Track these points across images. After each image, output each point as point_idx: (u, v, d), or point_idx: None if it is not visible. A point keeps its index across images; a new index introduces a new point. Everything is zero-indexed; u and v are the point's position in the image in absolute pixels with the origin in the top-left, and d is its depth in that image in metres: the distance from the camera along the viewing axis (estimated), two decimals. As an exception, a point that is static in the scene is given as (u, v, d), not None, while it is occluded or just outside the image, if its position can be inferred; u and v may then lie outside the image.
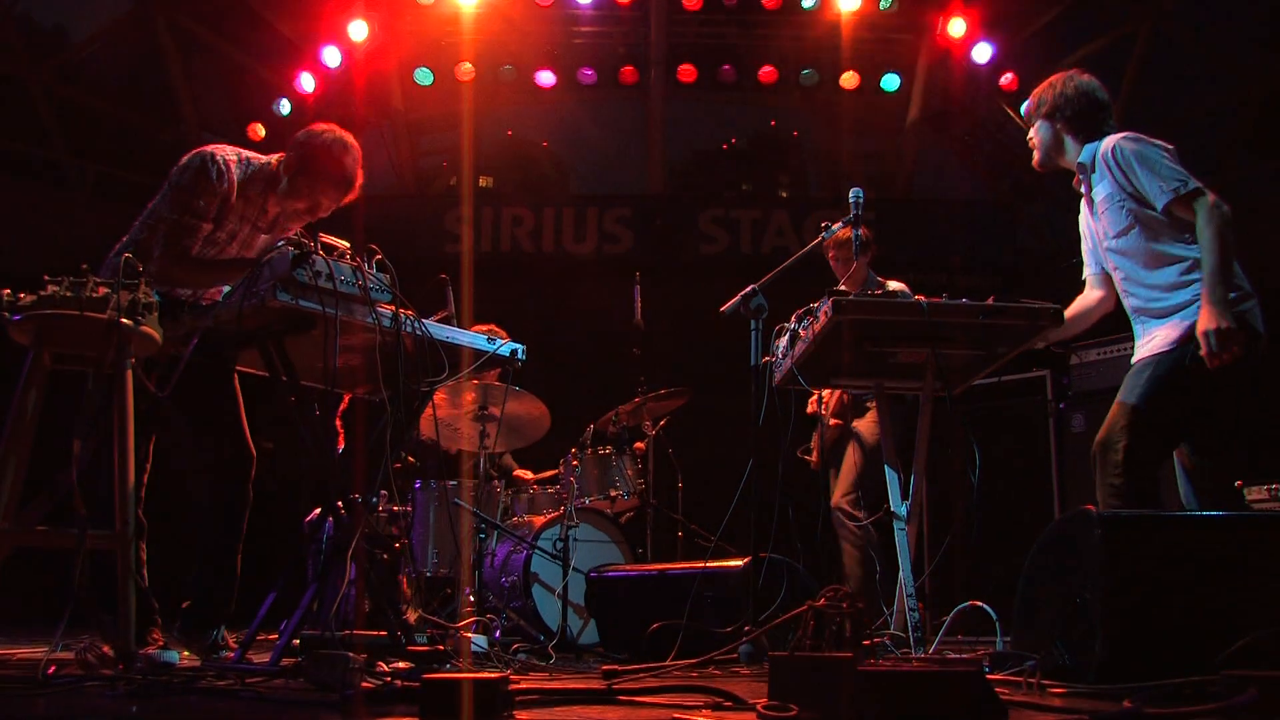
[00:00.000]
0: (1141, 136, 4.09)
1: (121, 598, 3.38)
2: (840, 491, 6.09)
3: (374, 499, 4.12)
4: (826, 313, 3.91)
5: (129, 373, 3.48)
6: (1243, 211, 3.96)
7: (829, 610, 2.77)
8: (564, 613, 5.49)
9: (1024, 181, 12.29)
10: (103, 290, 3.35)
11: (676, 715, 2.31)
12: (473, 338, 4.26)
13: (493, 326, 5.58)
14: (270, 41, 12.44)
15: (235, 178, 4.35)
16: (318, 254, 3.60)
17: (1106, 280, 4.38)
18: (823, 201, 12.56)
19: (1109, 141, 4.11)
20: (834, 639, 2.78)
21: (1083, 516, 3.23)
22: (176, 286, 4.38)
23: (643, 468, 6.68)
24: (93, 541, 3.35)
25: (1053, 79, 4.36)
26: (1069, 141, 4.30)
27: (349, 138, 4.51)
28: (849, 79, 12.06)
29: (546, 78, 12.25)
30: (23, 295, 3.33)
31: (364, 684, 2.90)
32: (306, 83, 11.63)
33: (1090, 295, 4.43)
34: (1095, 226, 4.29)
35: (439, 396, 5.88)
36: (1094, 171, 4.19)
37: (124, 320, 3.35)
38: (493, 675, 2.53)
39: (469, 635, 4.33)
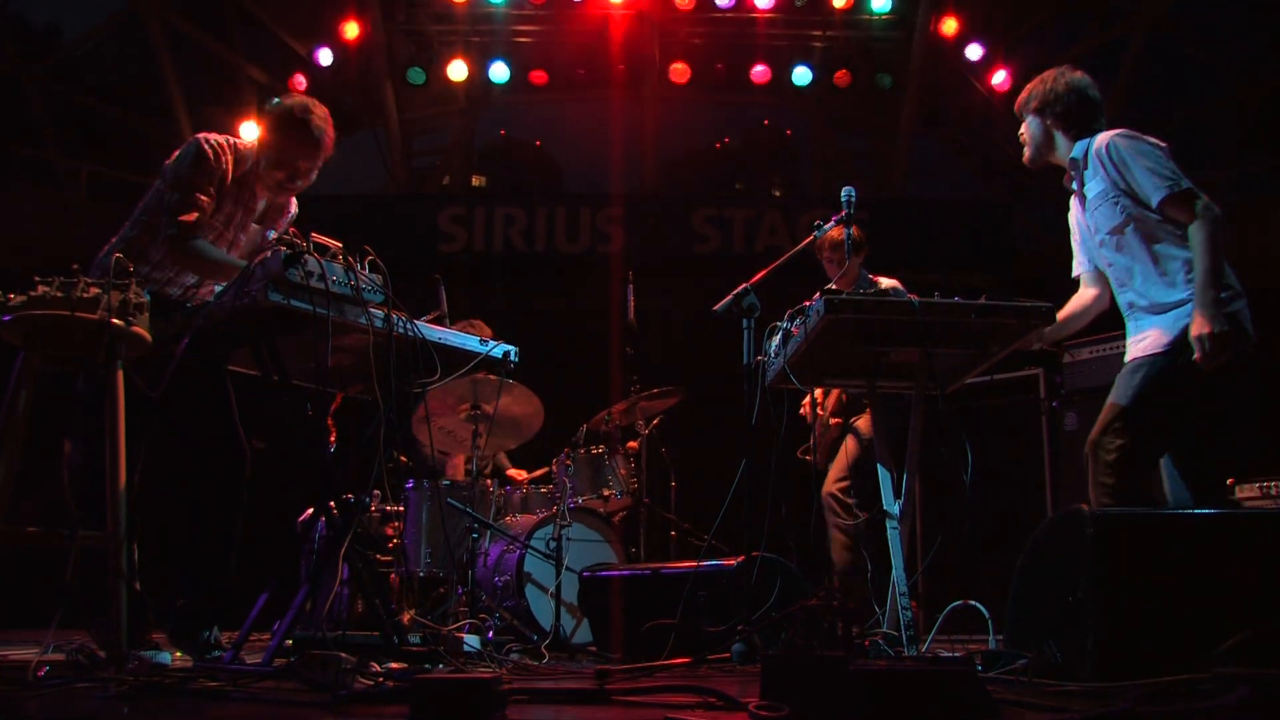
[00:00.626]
0: (1135, 133, 4.09)
1: (113, 598, 3.37)
2: (832, 478, 6.10)
3: (366, 499, 4.11)
4: (819, 311, 3.91)
5: (120, 373, 3.47)
6: (1236, 211, 3.98)
7: (821, 610, 2.77)
8: (557, 612, 5.48)
9: (1017, 180, 12.32)
10: (93, 290, 3.34)
11: (669, 715, 2.31)
12: (465, 339, 4.25)
13: (473, 320, 5.57)
14: (263, 41, 12.44)
15: (229, 160, 4.42)
16: (310, 254, 3.60)
17: (1099, 278, 4.39)
18: (816, 200, 12.56)
19: (1103, 138, 4.11)
20: (826, 638, 2.78)
21: (1075, 515, 3.24)
22: (182, 274, 4.41)
23: (636, 467, 6.68)
24: (84, 542, 3.35)
25: (1044, 74, 4.37)
26: (1060, 138, 4.30)
27: (313, 101, 4.56)
28: (842, 78, 12.07)
29: (538, 77, 12.24)
30: (13, 295, 3.32)
31: (356, 684, 2.90)
32: (299, 82, 11.63)
33: (1085, 294, 4.44)
34: (1086, 223, 4.30)
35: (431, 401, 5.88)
36: (1086, 168, 4.20)
37: (115, 320, 3.34)
38: (485, 675, 2.52)
39: (462, 635, 4.32)
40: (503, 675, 2.83)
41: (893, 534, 4.26)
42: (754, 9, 11.91)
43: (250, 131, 11.65)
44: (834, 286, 4.04)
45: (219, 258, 4.33)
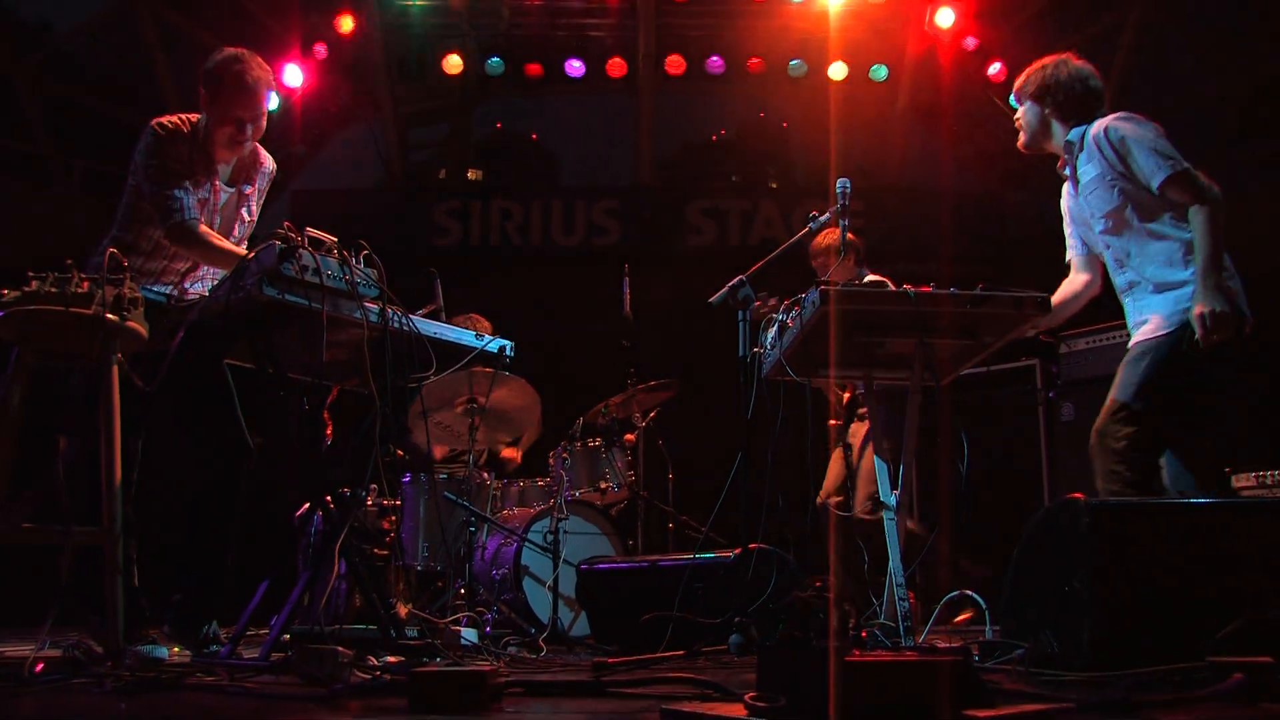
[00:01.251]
0: (1133, 116, 4.10)
1: (109, 594, 3.37)
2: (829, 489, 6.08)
3: (363, 492, 4.10)
4: (814, 303, 3.90)
5: (114, 368, 3.46)
6: (1229, 198, 3.99)
7: (816, 601, 2.78)
8: (554, 605, 5.49)
9: (1012, 171, 12.31)
10: (87, 285, 3.34)
11: (665, 706, 2.31)
12: (460, 333, 4.25)
13: (473, 315, 5.56)
14: (256, 35, 12.40)
15: (185, 133, 4.47)
16: (305, 248, 3.59)
17: (1091, 263, 4.40)
18: (811, 192, 12.54)
19: (1101, 122, 4.12)
20: (823, 629, 2.79)
21: (1070, 505, 3.24)
22: (175, 261, 4.43)
23: (633, 460, 6.67)
24: (79, 538, 3.35)
25: (1044, 61, 4.37)
26: (1056, 126, 4.31)
27: (241, 50, 4.58)
28: (837, 70, 12.05)
29: (534, 70, 12.22)
30: (6, 291, 3.32)
31: (353, 678, 2.90)
32: (293, 76, 11.57)
33: (1076, 280, 4.45)
34: (1081, 207, 4.30)
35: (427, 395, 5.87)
36: (1081, 151, 4.20)
37: (109, 316, 3.34)
38: (481, 668, 2.53)
39: (459, 629, 4.32)
40: (499, 668, 2.83)
41: (890, 525, 4.27)
42: (748, 0, 11.89)
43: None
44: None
45: (219, 244, 4.35)
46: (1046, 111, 4.32)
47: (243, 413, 4.36)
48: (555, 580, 5.55)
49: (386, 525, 5.92)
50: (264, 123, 4.64)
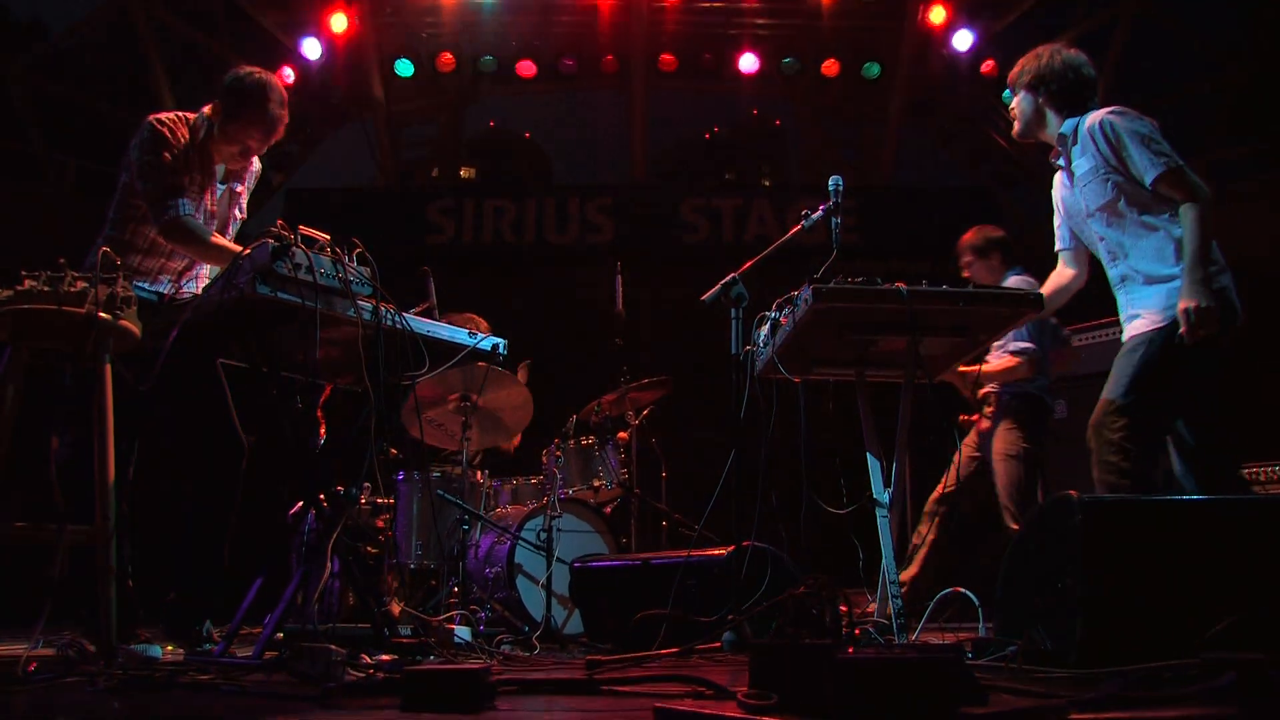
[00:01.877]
0: (1128, 110, 4.11)
1: (101, 593, 3.37)
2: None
3: (356, 491, 4.10)
4: (806, 301, 3.91)
5: (108, 367, 3.46)
6: (1222, 194, 4.02)
7: (809, 598, 2.78)
8: (548, 603, 5.49)
9: (1005, 168, 12.33)
10: (80, 284, 3.33)
11: (658, 704, 2.31)
12: (453, 332, 4.25)
13: (471, 315, 5.56)
14: (250, 33, 12.39)
15: (183, 131, 4.48)
16: (298, 246, 3.59)
17: (1079, 256, 4.43)
18: (805, 190, 12.57)
19: (1095, 115, 4.13)
20: (816, 626, 2.79)
21: (1063, 501, 3.25)
22: (172, 259, 4.43)
23: (626, 457, 6.67)
24: (72, 537, 3.34)
25: (1039, 50, 4.38)
26: (1051, 115, 4.32)
27: (273, 80, 4.64)
28: (830, 67, 12.07)
29: (527, 68, 12.22)
30: (-1, 290, 3.31)
31: (346, 676, 2.90)
32: (287, 75, 11.58)
33: (1064, 273, 4.48)
34: (1073, 198, 4.32)
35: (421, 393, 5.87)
36: (1075, 144, 4.21)
37: (102, 314, 3.34)
38: (474, 666, 2.53)
39: (452, 627, 4.32)
40: (492, 666, 2.83)
41: (882, 522, 4.28)
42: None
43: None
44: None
45: (214, 241, 4.35)
46: (1040, 100, 4.33)
47: (237, 411, 4.36)
48: (549, 578, 5.55)
49: (380, 523, 5.92)
50: (264, 149, 4.71)
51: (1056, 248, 4.53)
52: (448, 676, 2.39)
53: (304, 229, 3.69)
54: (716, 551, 4.67)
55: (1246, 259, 4.30)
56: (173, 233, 4.31)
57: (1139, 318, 4.08)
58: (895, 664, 2.05)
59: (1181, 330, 3.84)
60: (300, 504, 5.27)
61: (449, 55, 11.99)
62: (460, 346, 4.27)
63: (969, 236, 6.08)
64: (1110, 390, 4.01)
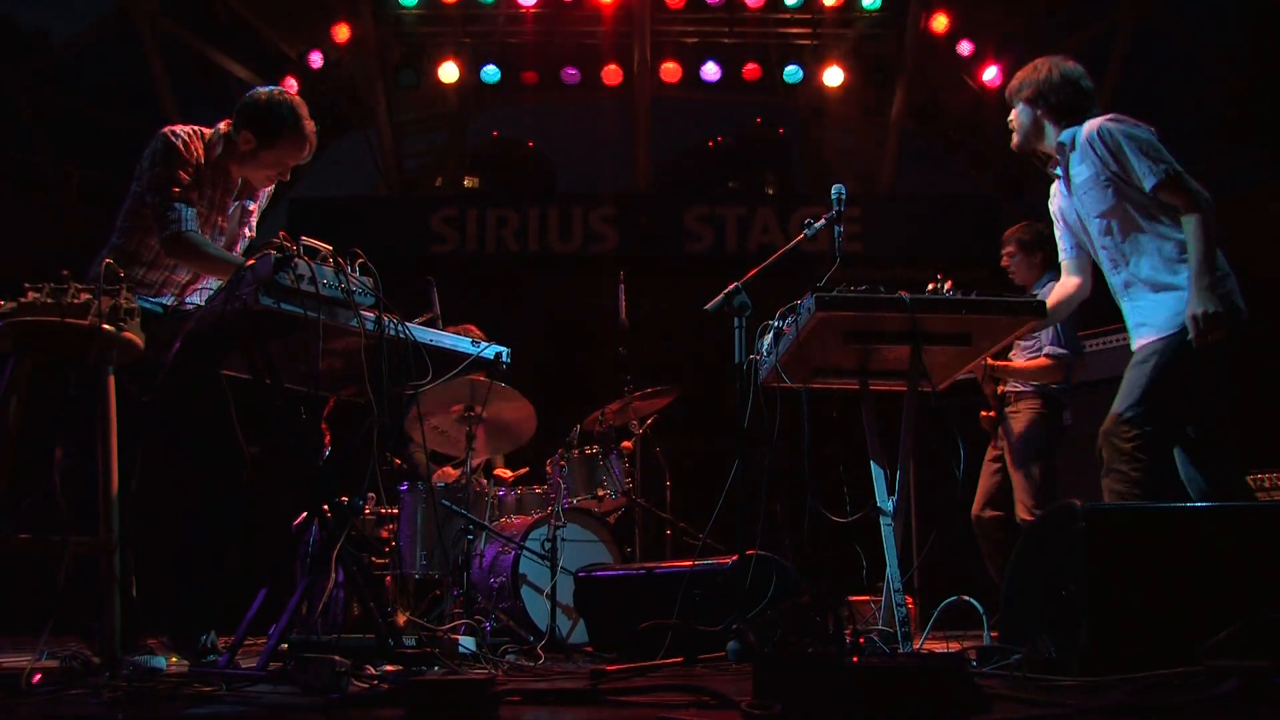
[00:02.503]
0: (1124, 118, 4.12)
1: (106, 604, 3.36)
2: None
3: (360, 502, 4.11)
4: (809, 310, 3.91)
5: (111, 378, 3.46)
6: (1225, 199, 4.02)
7: (812, 607, 2.78)
8: (553, 613, 5.49)
9: (1007, 175, 12.33)
10: (84, 296, 3.33)
11: (662, 714, 2.31)
12: (456, 340, 4.25)
13: (468, 327, 5.56)
14: (254, 43, 12.43)
15: (199, 147, 4.45)
16: (300, 257, 3.59)
17: (1082, 265, 4.43)
18: (809, 198, 12.57)
19: (1093, 123, 4.13)
20: (820, 636, 2.79)
21: (1066, 510, 3.24)
22: (176, 272, 4.43)
23: (630, 467, 6.67)
24: (76, 548, 3.34)
25: (1036, 62, 4.38)
26: (1049, 127, 4.32)
27: (296, 98, 4.59)
28: (833, 75, 12.08)
29: (530, 78, 12.24)
30: (2, 302, 3.32)
31: (350, 687, 2.90)
32: (289, 85, 11.61)
33: (1069, 282, 4.48)
34: (1072, 207, 4.32)
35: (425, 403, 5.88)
36: (1074, 151, 4.21)
37: (105, 326, 3.34)
38: (478, 677, 2.53)
39: (457, 637, 4.32)
40: (497, 676, 2.83)
41: (886, 530, 4.27)
42: (745, 7, 11.92)
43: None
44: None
45: (217, 254, 4.34)
46: (1039, 113, 4.33)
47: (241, 422, 4.37)
48: (553, 588, 5.55)
49: (385, 534, 5.92)
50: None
51: (1060, 258, 4.53)
52: (451, 687, 2.39)
53: (306, 239, 3.69)
54: (721, 561, 4.67)
55: (1248, 264, 4.29)
56: (175, 248, 4.30)
57: (1147, 327, 4.08)
58: (897, 673, 2.05)
59: (1191, 336, 3.84)
60: (304, 515, 5.29)
61: (452, 65, 12.01)
62: (464, 355, 4.27)
63: (1017, 229, 6.08)
64: (1122, 401, 4.01)
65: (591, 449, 6.57)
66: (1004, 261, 6.06)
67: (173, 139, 4.38)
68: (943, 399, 4.61)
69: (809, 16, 12.02)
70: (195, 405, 4.27)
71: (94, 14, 12.52)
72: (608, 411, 6.69)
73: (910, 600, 5.42)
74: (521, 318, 10.43)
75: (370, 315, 3.81)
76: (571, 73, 12.28)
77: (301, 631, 4.00)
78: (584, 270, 11.01)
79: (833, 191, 4.51)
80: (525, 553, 5.82)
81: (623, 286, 6.96)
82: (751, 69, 12.23)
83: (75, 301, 3.31)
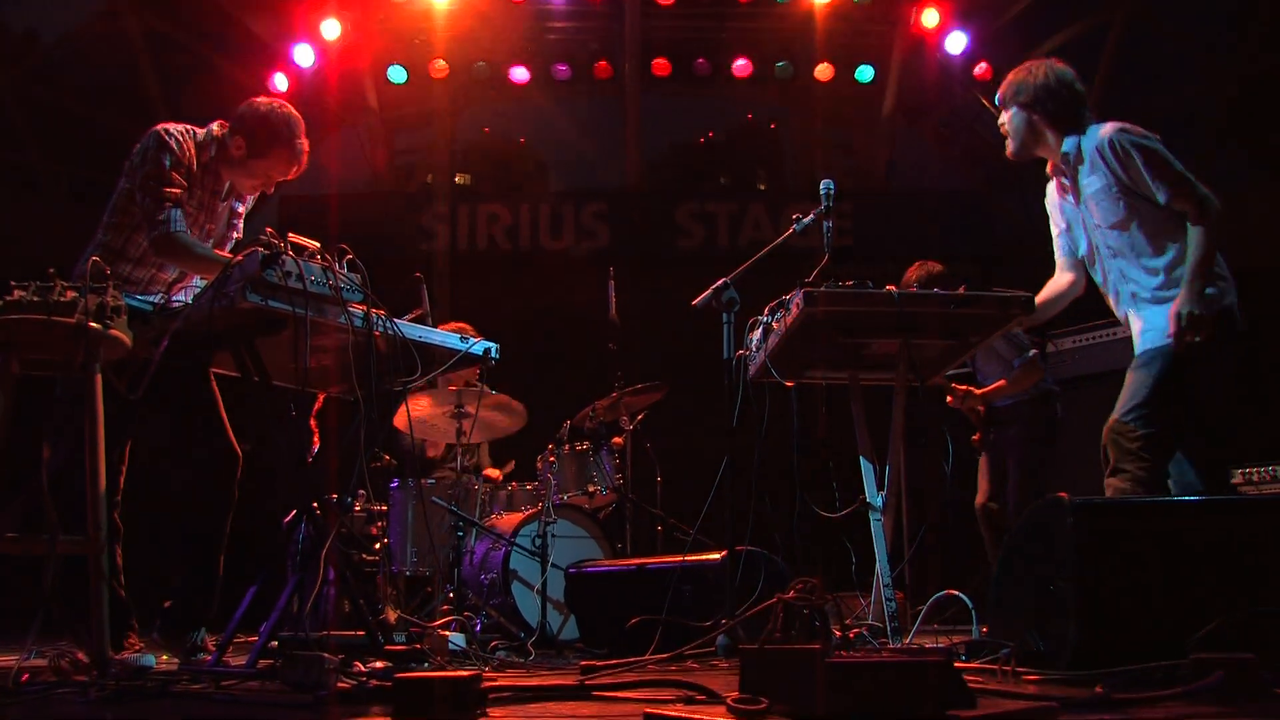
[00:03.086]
0: (1129, 128, 4.13)
1: (94, 603, 3.36)
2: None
3: (350, 499, 4.11)
4: (798, 305, 3.91)
5: (98, 377, 3.46)
6: (1218, 196, 4.05)
7: (798, 602, 2.78)
8: (543, 609, 5.50)
9: (999, 171, 12.33)
10: (70, 294, 3.33)
11: (648, 710, 2.31)
12: (445, 337, 4.26)
13: (463, 326, 5.57)
14: (243, 41, 12.39)
15: (191, 147, 4.44)
16: (287, 254, 3.59)
17: (1077, 264, 4.44)
18: (800, 194, 12.56)
19: (1102, 133, 4.13)
20: (805, 631, 2.79)
21: (1055, 504, 3.26)
22: (163, 270, 4.43)
23: (620, 463, 6.67)
24: (65, 547, 3.34)
25: (1030, 66, 4.37)
26: (1048, 133, 4.31)
27: (294, 114, 4.59)
28: (823, 71, 12.07)
29: (520, 74, 12.22)
30: (-12, 301, 3.31)
31: (339, 684, 2.90)
32: (280, 82, 11.57)
33: (1061, 280, 4.48)
34: (1075, 214, 4.32)
35: (418, 397, 5.88)
36: (1082, 163, 4.21)
37: (92, 324, 3.33)
38: (465, 673, 2.53)
39: (447, 634, 4.32)
40: (485, 673, 2.83)
41: (875, 525, 4.28)
42: (735, 2, 11.91)
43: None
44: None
45: (204, 253, 4.34)
46: (1036, 118, 4.32)
47: (230, 420, 4.37)
48: (544, 584, 5.56)
49: (374, 530, 5.92)
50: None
51: (1056, 255, 4.54)
52: (438, 684, 2.39)
53: (293, 236, 3.69)
54: (711, 556, 4.68)
55: (1242, 262, 4.31)
56: (165, 248, 4.29)
57: (1154, 332, 4.10)
58: (883, 667, 2.06)
59: (1170, 332, 3.88)
60: (295, 512, 5.30)
61: (442, 61, 11.98)
62: (453, 351, 4.28)
63: (915, 270, 6.16)
64: (1128, 402, 4.03)
65: (582, 445, 6.58)
66: None
67: (165, 137, 4.37)
68: (932, 393, 4.62)
69: (798, 12, 12.00)
70: (184, 403, 4.27)
71: (83, 12, 12.48)
72: (598, 407, 6.69)
73: (900, 595, 5.43)
74: (512, 314, 10.41)
75: (358, 311, 3.81)
76: (562, 69, 12.25)
77: (291, 629, 4.00)
78: (575, 267, 11.00)
79: (821, 187, 4.51)
80: (516, 549, 5.82)
81: (613, 283, 6.96)
82: (742, 65, 12.21)
83: (62, 300, 3.31)
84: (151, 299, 4.43)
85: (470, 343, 4.31)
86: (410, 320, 4.25)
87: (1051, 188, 4.49)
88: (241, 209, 4.76)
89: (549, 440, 6.64)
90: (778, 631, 2.79)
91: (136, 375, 3.77)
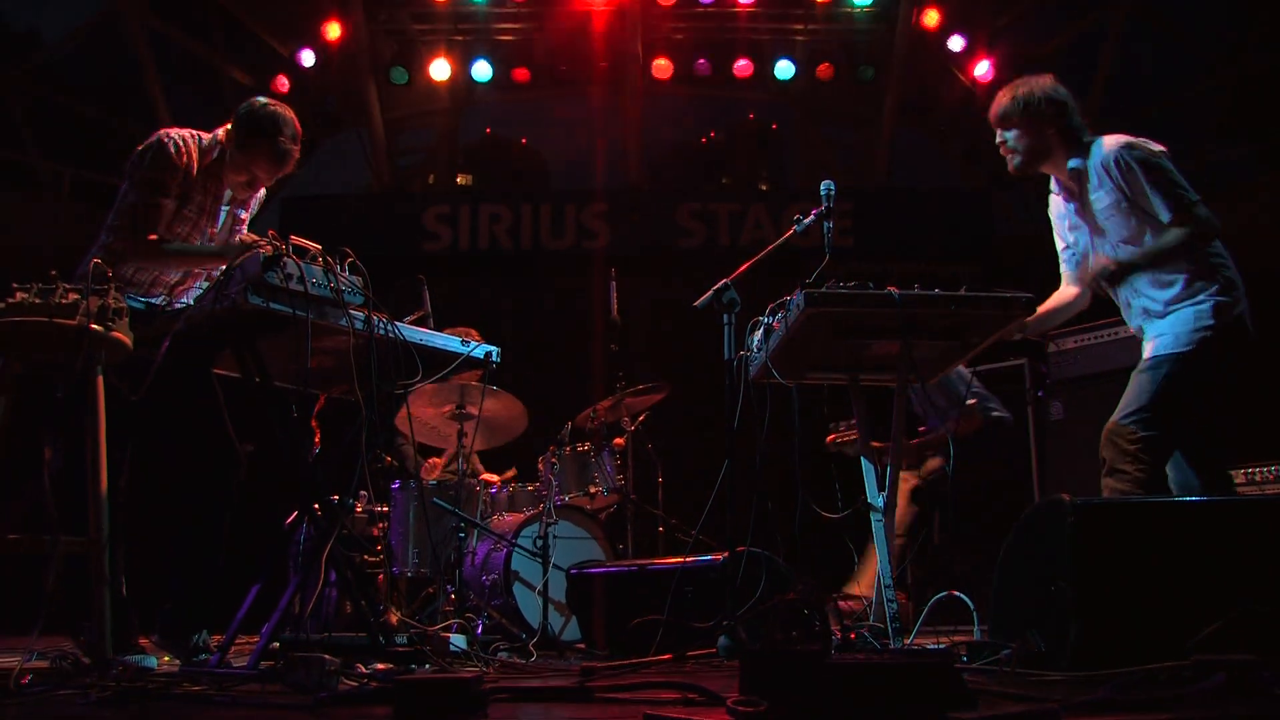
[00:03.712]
0: (1135, 142, 4.14)
1: (96, 603, 3.37)
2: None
3: (351, 500, 4.11)
4: (799, 306, 3.91)
5: (99, 378, 3.46)
6: (1218, 193, 4.06)
7: (800, 604, 2.78)
8: (545, 610, 5.49)
9: (1000, 170, 12.32)
10: (72, 296, 3.33)
11: (648, 711, 2.31)
12: (446, 340, 4.26)
13: (468, 330, 5.57)
14: (244, 42, 12.41)
15: (194, 152, 4.43)
16: (289, 256, 3.60)
17: (1082, 275, 4.44)
18: (801, 193, 12.56)
19: (1107, 148, 4.15)
20: (808, 632, 2.79)
21: (1055, 505, 3.26)
22: (166, 272, 4.43)
23: (622, 463, 6.67)
24: (66, 548, 3.34)
25: (1025, 83, 4.38)
26: (1055, 149, 4.32)
27: (286, 113, 4.54)
28: (825, 70, 12.07)
29: (521, 75, 12.23)
30: (-10, 303, 3.32)
31: (340, 686, 2.90)
32: (281, 83, 11.59)
33: (1066, 292, 4.49)
34: (1083, 227, 4.33)
35: (418, 399, 5.88)
36: (1089, 180, 4.22)
37: (94, 326, 3.34)
38: (465, 674, 2.53)
39: (448, 635, 4.32)
40: (486, 674, 2.83)
41: (877, 526, 4.28)
42: (735, 3, 11.92)
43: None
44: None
45: (185, 250, 4.35)
46: (1047, 133, 4.33)
47: (232, 421, 4.37)
48: (545, 585, 5.55)
49: (376, 532, 5.92)
50: (273, 181, 4.68)
51: (1061, 267, 4.55)
52: (438, 685, 2.39)
53: (295, 239, 3.70)
54: (712, 557, 4.68)
55: (1245, 260, 4.30)
56: (142, 252, 4.29)
57: (1165, 338, 4.10)
58: (882, 669, 2.06)
59: (1091, 272, 4.07)
60: (296, 513, 5.30)
61: (443, 62, 11.99)
62: (454, 354, 4.28)
63: None
64: (1129, 405, 4.04)
65: (583, 446, 6.57)
66: None
67: (165, 142, 4.37)
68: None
69: (800, 12, 12.02)
70: (186, 404, 4.27)
71: (84, 13, 12.50)
72: (599, 408, 6.69)
73: (903, 596, 5.43)
74: (514, 315, 10.43)
75: (359, 314, 3.81)
76: (563, 70, 12.26)
77: (293, 630, 4.00)
78: (577, 267, 11.00)
79: (822, 188, 4.51)
80: (517, 550, 5.82)
81: (614, 283, 6.96)
82: (743, 65, 12.21)
83: (63, 302, 3.32)
84: (153, 300, 4.44)
85: (471, 346, 4.31)
86: (411, 322, 4.25)
87: (1056, 199, 4.49)
88: (244, 215, 4.76)
89: (550, 441, 6.63)
90: (778, 633, 2.79)
91: (138, 376, 3.77)
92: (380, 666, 3.49)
